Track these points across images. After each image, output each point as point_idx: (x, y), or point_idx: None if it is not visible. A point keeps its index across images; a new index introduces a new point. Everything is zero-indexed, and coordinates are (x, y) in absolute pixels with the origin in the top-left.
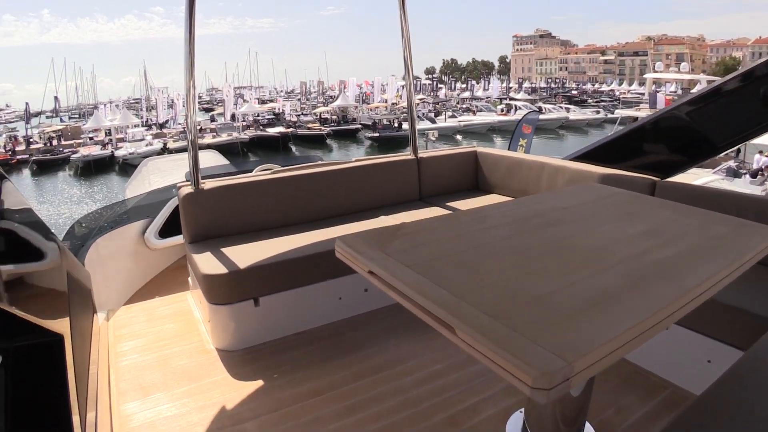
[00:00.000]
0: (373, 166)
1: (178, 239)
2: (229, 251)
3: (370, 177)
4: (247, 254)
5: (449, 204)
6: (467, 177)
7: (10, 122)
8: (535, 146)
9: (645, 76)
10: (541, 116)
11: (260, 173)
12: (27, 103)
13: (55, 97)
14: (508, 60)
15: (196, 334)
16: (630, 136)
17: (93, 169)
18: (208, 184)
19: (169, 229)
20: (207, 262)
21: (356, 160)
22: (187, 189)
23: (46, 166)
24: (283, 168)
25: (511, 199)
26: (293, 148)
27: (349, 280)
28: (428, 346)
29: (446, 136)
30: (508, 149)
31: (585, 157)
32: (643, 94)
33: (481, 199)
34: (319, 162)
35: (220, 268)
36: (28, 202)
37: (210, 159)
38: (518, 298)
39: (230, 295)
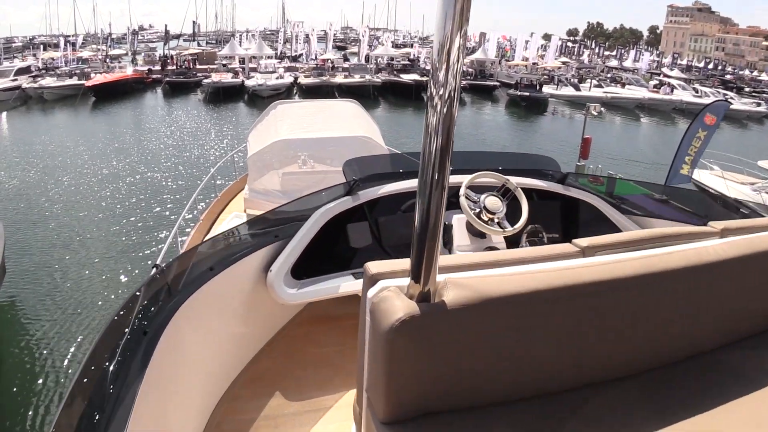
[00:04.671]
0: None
1: (327, 288)
2: None
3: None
4: None
5: None
6: None
7: (152, 42)
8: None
9: None
10: (699, 100)
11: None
12: (166, 25)
13: (194, 22)
14: (659, 31)
15: None
16: None
17: (221, 95)
18: (450, 292)
19: (308, 261)
20: None
21: (715, 237)
22: (403, 306)
23: (179, 88)
24: (592, 243)
25: None
26: (425, 98)
27: None
28: None
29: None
30: (682, 139)
31: None
32: None
33: None
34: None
35: None
36: None
37: (350, 113)
38: None
39: None
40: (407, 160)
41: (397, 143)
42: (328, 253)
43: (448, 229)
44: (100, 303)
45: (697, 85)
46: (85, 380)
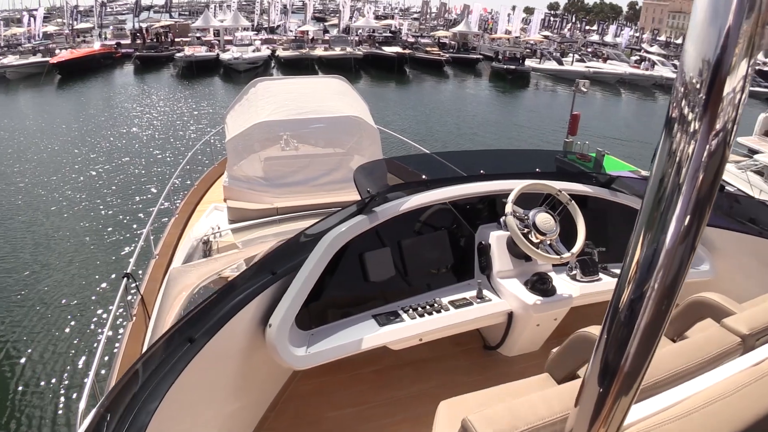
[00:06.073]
0: None
1: (346, 344)
2: None
3: None
4: None
5: None
6: None
7: (121, 14)
8: None
9: None
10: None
11: None
12: None
13: None
14: (638, 7)
15: None
16: None
17: (195, 70)
18: None
19: (316, 303)
20: None
21: None
22: None
23: (150, 63)
24: None
25: None
26: (408, 72)
27: None
28: None
29: (570, 81)
30: None
31: None
32: None
33: None
34: None
35: None
36: None
37: (337, 90)
38: None
39: None
40: (434, 161)
41: (385, 121)
42: (341, 291)
43: (485, 250)
44: (67, 313)
45: (675, 62)
46: None
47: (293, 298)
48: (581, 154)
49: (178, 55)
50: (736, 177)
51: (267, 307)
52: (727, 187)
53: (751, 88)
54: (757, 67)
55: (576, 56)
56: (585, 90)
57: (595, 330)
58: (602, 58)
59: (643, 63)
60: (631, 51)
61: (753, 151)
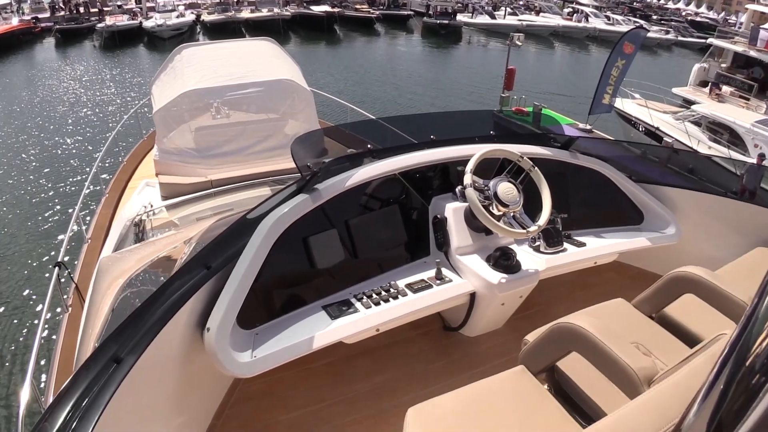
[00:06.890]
0: None
1: (296, 344)
2: None
3: None
4: None
5: None
6: None
7: None
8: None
9: (748, 6)
10: (612, 28)
11: None
12: None
13: None
14: None
15: None
16: None
17: (118, 40)
18: None
19: (259, 296)
20: None
21: None
22: None
23: (71, 36)
24: None
25: None
26: (338, 31)
27: None
28: None
29: (503, 35)
30: (603, 69)
31: None
32: (716, 20)
33: None
34: None
35: None
36: None
37: (267, 53)
38: None
39: None
40: (377, 127)
41: (319, 84)
42: (286, 282)
43: (441, 224)
44: (1, 310)
45: (608, 13)
46: None
47: (232, 295)
48: (518, 108)
49: (99, 25)
50: (674, 128)
51: (204, 308)
52: (666, 139)
53: (685, 39)
54: (689, 18)
55: (508, 9)
56: (520, 43)
57: (575, 320)
58: (535, 11)
59: (575, 15)
60: (563, 3)
61: (689, 102)
